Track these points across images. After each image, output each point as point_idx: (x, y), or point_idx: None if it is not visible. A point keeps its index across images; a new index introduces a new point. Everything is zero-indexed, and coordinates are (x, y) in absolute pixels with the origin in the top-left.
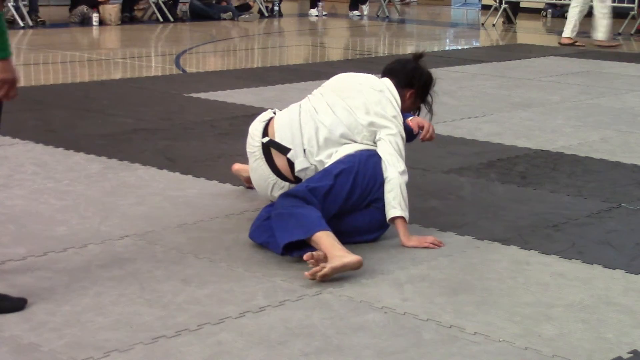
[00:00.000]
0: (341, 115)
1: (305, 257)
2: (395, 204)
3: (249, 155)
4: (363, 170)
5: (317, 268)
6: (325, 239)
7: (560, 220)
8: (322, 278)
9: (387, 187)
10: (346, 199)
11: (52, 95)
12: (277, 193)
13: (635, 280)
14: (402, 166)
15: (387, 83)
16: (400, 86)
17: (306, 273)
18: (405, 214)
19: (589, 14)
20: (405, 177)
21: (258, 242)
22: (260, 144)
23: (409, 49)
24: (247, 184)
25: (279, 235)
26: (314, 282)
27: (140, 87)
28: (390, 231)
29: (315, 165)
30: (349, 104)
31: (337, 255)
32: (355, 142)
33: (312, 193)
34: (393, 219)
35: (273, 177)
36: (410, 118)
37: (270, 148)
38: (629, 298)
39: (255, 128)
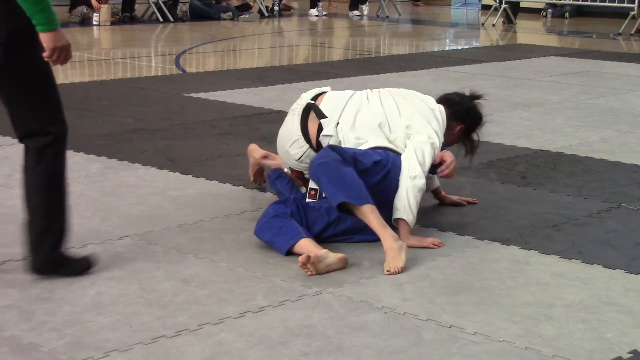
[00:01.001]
0: (387, 109)
1: (301, 259)
2: (399, 206)
3: (289, 112)
4: (394, 174)
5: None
6: (374, 215)
7: (560, 220)
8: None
9: (398, 192)
10: (369, 189)
11: None
12: (293, 150)
13: (635, 280)
14: (416, 171)
15: (441, 108)
16: (453, 118)
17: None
18: (408, 217)
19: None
20: (418, 182)
21: (262, 239)
22: (304, 104)
23: (409, 49)
24: (252, 169)
25: (331, 194)
26: (314, 282)
27: (140, 87)
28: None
29: (340, 141)
30: (398, 104)
31: (396, 245)
32: (388, 138)
33: (354, 161)
34: (396, 220)
35: (299, 134)
36: (442, 151)
37: (311, 110)
38: (629, 298)
39: (308, 93)
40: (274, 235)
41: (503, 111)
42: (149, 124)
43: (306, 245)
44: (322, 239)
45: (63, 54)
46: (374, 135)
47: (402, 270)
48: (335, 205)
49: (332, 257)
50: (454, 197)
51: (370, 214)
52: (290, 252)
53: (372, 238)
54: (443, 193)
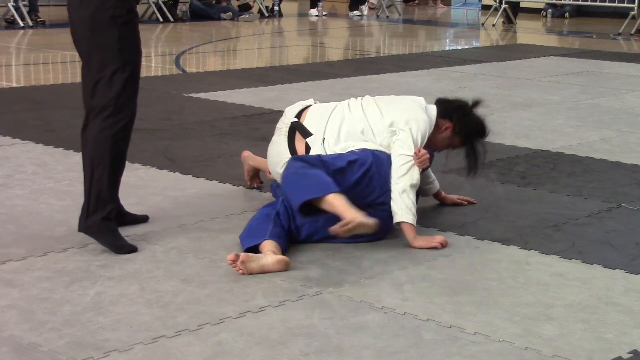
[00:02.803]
0: (369, 114)
1: (229, 257)
2: (396, 209)
3: (276, 130)
4: (376, 168)
5: (344, 223)
6: (340, 200)
7: (560, 220)
8: (347, 232)
9: (391, 196)
10: (350, 188)
11: (52, 95)
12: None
13: (635, 280)
14: (404, 170)
15: (427, 104)
16: (439, 115)
17: (333, 228)
18: (407, 217)
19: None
20: (407, 182)
21: (244, 247)
22: (289, 123)
23: (409, 49)
24: (247, 175)
25: (293, 197)
26: (314, 282)
27: (140, 87)
28: (389, 231)
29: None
30: (380, 108)
31: (357, 214)
32: (375, 143)
33: (323, 164)
34: (398, 224)
35: (287, 155)
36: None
37: (296, 130)
38: (629, 298)
39: (292, 108)
40: (243, 236)
41: (503, 111)
42: (149, 124)
43: (267, 247)
44: (313, 241)
45: None
46: (358, 142)
47: (365, 226)
48: (297, 209)
49: (269, 258)
50: (454, 197)
51: (333, 201)
52: (252, 251)
53: (370, 238)
54: (443, 194)
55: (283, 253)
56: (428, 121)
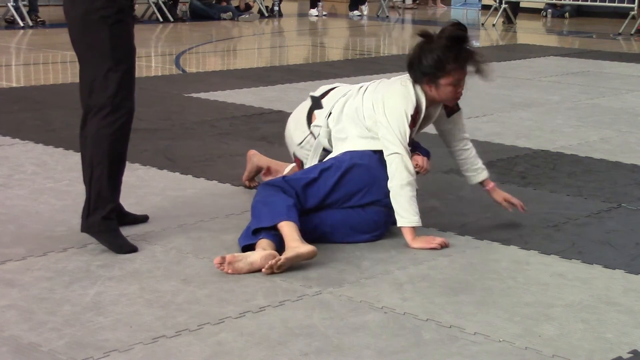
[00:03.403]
0: (365, 97)
1: (215, 261)
2: (396, 209)
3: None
4: (357, 170)
5: (273, 262)
6: (286, 229)
7: (560, 220)
8: (279, 269)
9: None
10: (329, 193)
11: (52, 95)
12: (297, 134)
13: (635, 280)
14: (402, 176)
15: (403, 78)
16: (416, 82)
17: (263, 270)
18: (407, 221)
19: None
20: (397, 181)
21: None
22: (314, 96)
23: (409, 49)
24: (248, 174)
25: (252, 222)
26: (314, 282)
27: (140, 87)
28: (389, 231)
29: (325, 131)
30: (372, 90)
31: (292, 246)
32: (365, 125)
33: (289, 183)
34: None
35: (304, 120)
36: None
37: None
38: (629, 298)
39: (324, 87)
40: (254, 223)
41: (503, 111)
42: (149, 124)
43: (261, 245)
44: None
45: None
46: (352, 124)
47: (282, 261)
48: (252, 233)
49: (256, 255)
50: (505, 195)
51: (282, 229)
52: (248, 249)
53: (366, 238)
54: (491, 185)
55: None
56: (406, 96)
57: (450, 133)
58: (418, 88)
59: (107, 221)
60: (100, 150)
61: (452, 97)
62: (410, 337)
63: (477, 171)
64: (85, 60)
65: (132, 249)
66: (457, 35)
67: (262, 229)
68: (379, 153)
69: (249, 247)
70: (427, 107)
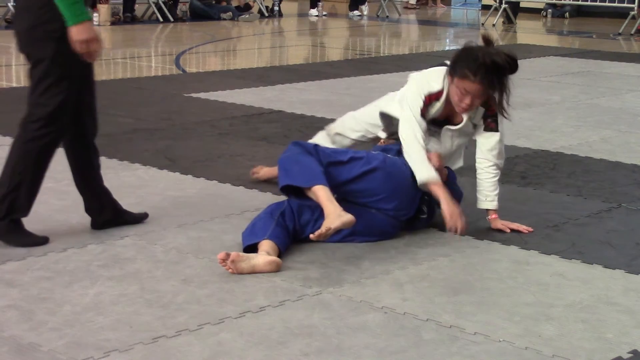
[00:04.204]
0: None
1: (219, 256)
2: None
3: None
4: (383, 174)
5: (323, 231)
6: (323, 193)
7: (560, 220)
8: (325, 237)
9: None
10: (348, 182)
11: None
12: (353, 134)
13: (635, 280)
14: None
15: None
16: (448, 70)
17: (312, 236)
18: (422, 175)
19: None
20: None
21: (244, 245)
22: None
23: (409, 49)
24: (262, 177)
25: (281, 177)
26: (314, 282)
27: (140, 87)
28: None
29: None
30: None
31: (336, 213)
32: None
33: (319, 154)
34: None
35: (367, 127)
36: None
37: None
38: (629, 298)
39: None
40: (245, 234)
41: None
42: (149, 124)
43: (263, 247)
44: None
45: (85, 47)
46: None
47: (334, 230)
48: (280, 189)
49: (260, 258)
50: (505, 223)
51: (318, 192)
52: (251, 249)
53: (368, 240)
54: (494, 217)
55: (280, 254)
56: (430, 77)
57: (479, 147)
58: (446, 79)
59: (13, 222)
60: (25, 159)
61: (456, 101)
62: (410, 337)
63: (488, 198)
64: (31, 73)
65: (39, 242)
66: (499, 64)
67: (289, 191)
68: (411, 171)
69: (251, 247)
70: (448, 103)
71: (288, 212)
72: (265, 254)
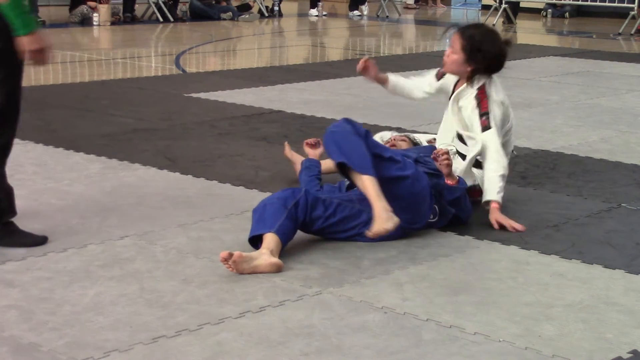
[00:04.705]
0: None
1: (222, 255)
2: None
3: None
4: (411, 184)
5: (374, 234)
6: (373, 188)
7: (560, 220)
8: (376, 236)
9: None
10: (380, 181)
11: (52, 95)
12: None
13: (635, 280)
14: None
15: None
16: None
17: (366, 233)
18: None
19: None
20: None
21: (251, 233)
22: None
23: (409, 49)
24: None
25: (334, 153)
26: (314, 282)
27: (140, 87)
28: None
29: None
30: None
31: (386, 215)
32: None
33: (367, 138)
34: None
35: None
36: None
37: None
38: (629, 298)
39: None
40: (255, 218)
41: None
42: (149, 124)
43: (268, 241)
44: (319, 232)
45: (35, 56)
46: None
47: (386, 232)
48: (336, 163)
49: (262, 260)
50: (498, 217)
51: (368, 184)
52: (255, 240)
53: (376, 240)
54: (493, 207)
55: (283, 247)
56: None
57: (482, 145)
58: None
59: (6, 226)
60: None
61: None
62: (410, 337)
63: (489, 190)
64: None
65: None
66: (488, 41)
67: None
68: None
69: (255, 239)
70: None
71: (302, 203)
72: (268, 253)
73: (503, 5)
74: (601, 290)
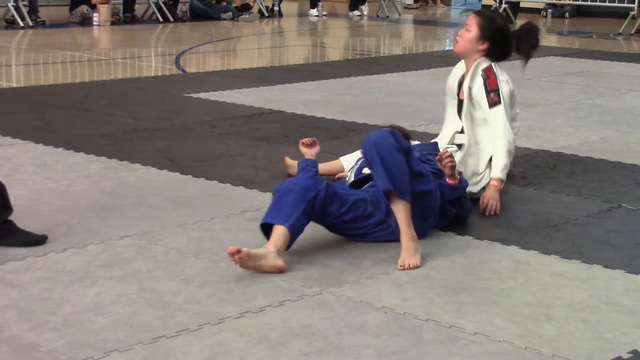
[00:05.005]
0: None
1: (231, 249)
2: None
3: None
4: (429, 198)
5: (403, 267)
6: (405, 214)
7: (560, 220)
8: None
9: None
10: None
11: (52, 95)
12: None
13: (635, 280)
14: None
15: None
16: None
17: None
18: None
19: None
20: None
21: (264, 219)
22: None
23: (409, 49)
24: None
25: (377, 167)
26: (314, 282)
27: (140, 87)
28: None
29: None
30: None
31: (414, 249)
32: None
33: (410, 155)
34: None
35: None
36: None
37: None
38: (629, 298)
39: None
40: (272, 204)
41: None
42: (149, 124)
43: (278, 235)
44: (328, 225)
45: None
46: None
47: (417, 267)
48: (382, 190)
49: (268, 261)
50: (490, 196)
51: (403, 209)
52: (266, 228)
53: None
54: (493, 183)
55: (291, 244)
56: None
57: (489, 124)
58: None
59: (5, 225)
60: None
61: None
62: (410, 337)
63: (494, 168)
64: None
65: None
66: (501, 21)
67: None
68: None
69: (267, 227)
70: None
71: (322, 196)
72: (275, 254)
73: (503, 5)
74: (601, 290)
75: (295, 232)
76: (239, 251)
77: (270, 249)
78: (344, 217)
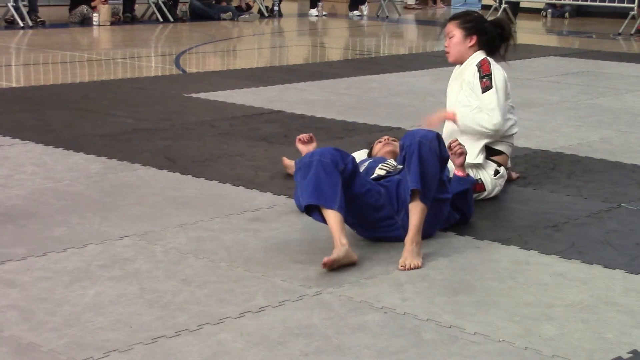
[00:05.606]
0: None
1: (325, 261)
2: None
3: None
4: (443, 206)
5: (403, 267)
6: (419, 218)
7: (560, 220)
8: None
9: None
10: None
11: (52, 95)
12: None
13: (635, 280)
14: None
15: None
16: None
17: (400, 267)
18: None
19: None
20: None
21: (299, 178)
22: None
23: (409, 49)
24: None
25: (414, 171)
26: (314, 282)
27: (140, 87)
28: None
29: None
30: None
31: (415, 251)
32: None
33: (443, 164)
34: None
35: None
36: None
37: None
38: (629, 298)
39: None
40: (310, 186)
41: None
42: (149, 124)
43: (339, 226)
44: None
45: None
46: None
47: (418, 268)
48: (411, 187)
49: (347, 258)
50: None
51: (420, 213)
52: (311, 209)
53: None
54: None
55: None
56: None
57: (481, 109)
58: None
59: None
60: None
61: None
62: (410, 337)
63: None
64: None
65: None
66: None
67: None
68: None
69: (312, 207)
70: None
71: (349, 170)
72: (349, 248)
73: (503, 5)
74: (601, 290)
75: (342, 211)
76: (334, 261)
77: (345, 245)
78: (359, 199)
